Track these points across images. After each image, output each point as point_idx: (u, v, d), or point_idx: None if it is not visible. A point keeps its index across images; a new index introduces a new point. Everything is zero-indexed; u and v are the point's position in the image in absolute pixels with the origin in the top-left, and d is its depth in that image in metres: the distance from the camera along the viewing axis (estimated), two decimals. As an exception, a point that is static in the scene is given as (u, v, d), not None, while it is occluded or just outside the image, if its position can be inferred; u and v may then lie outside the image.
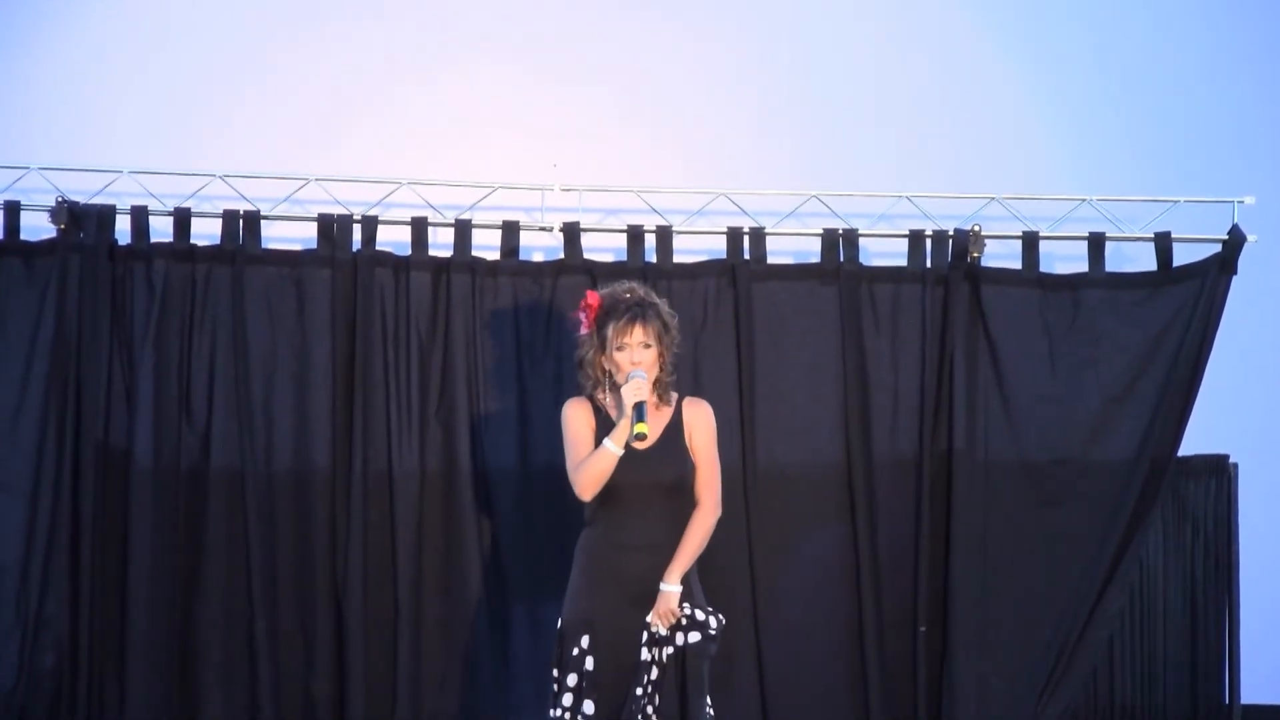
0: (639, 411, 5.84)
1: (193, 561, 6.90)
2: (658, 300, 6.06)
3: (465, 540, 6.95)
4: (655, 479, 5.95)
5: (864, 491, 7.07)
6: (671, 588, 5.90)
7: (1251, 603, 7.21)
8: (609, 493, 5.98)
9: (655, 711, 5.96)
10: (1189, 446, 7.13)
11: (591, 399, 6.01)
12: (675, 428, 6.03)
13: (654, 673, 5.99)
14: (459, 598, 6.96)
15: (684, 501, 6.08)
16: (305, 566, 6.95)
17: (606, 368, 5.99)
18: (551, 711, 5.96)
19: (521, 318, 7.07)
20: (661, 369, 5.99)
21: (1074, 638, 7.04)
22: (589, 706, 5.89)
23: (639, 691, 5.95)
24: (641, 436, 5.82)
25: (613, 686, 5.90)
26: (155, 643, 6.84)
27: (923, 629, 7.12)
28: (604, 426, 5.95)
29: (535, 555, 6.98)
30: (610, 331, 5.94)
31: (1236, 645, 7.16)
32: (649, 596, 5.91)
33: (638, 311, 5.94)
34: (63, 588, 6.79)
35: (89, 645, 6.78)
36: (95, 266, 6.87)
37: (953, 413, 7.10)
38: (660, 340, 5.98)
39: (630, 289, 6.06)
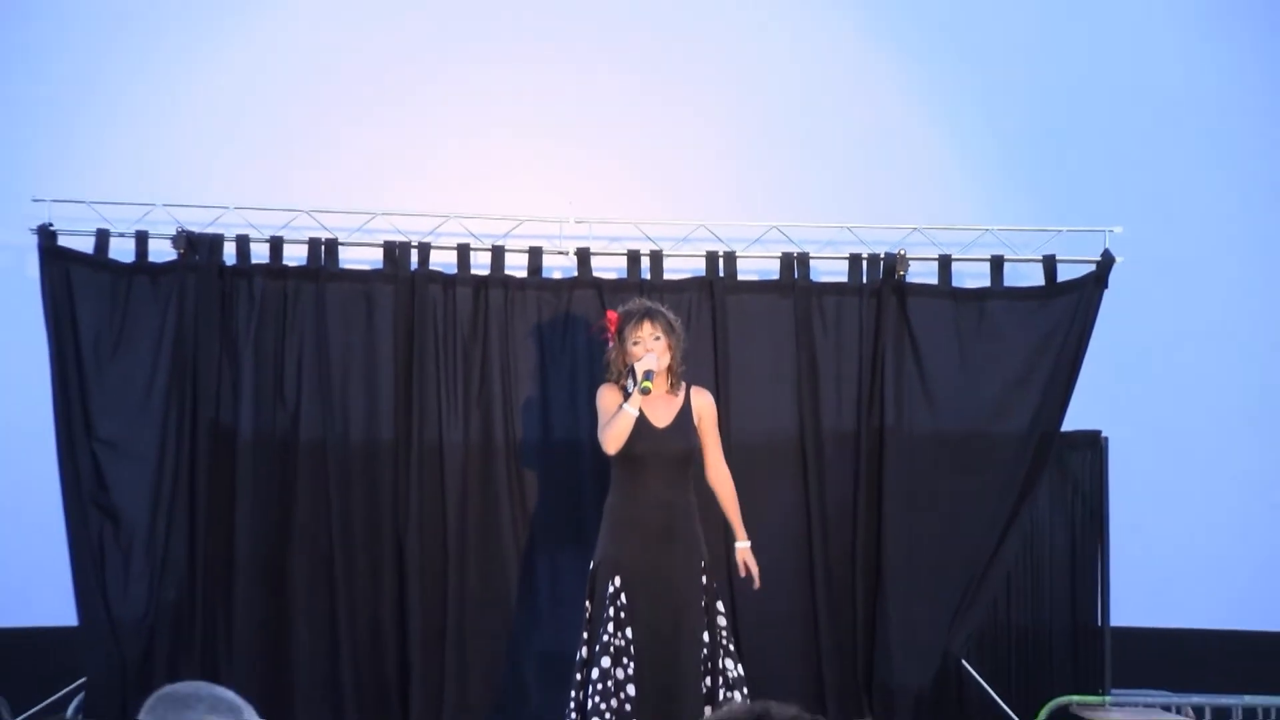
0: (648, 374, 6.33)
1: (285, 514, 7.25)
2: (663, 308, 6.62)
3: (500, 498, 7.32)
4: (670, 450, 6.46)
5: (814, 460, 7.42)
6: (743, 543, 6.60)
7: (1119, 547, 7.54)
8: (632, 462, 6.43)
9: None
10: (1070, 424, 7.50)
11: (618, 386, 6.56)
12: (685, 411, 6.55)
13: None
14: (495, 544, 7.30)
15: (689, 468, 6.54)
16: (374, 519, 7.27)
17: (627, 362, 6.50)
18: (584, 634, 6.39)
19: (544, 323, 7.41)
20: (673, 358, 6.49)
21: (979, 575, 7.38)
22: (629, 632, 6.35)
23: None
24: (646, 391, 6.32)
25: (648, 614, 6.35)
26: (255, 579, 7.19)
27: None
28: None
29: (556, 511, 7.37)
30: (627, 331, 6.48)
31: (1107, 580, 7.49)
32: (664, 540, 6.42)
33: (645, 311, 6.50)
34: (182, 536, 7.12)
35: (203, 581, 7.14)
36: (207, 283, 7.22)
37: (884, 397, 7.43)
38: (669, 334, 6.46)
39: (638, 300, 6.68)
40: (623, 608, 6.35)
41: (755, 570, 6.59)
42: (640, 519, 6.47)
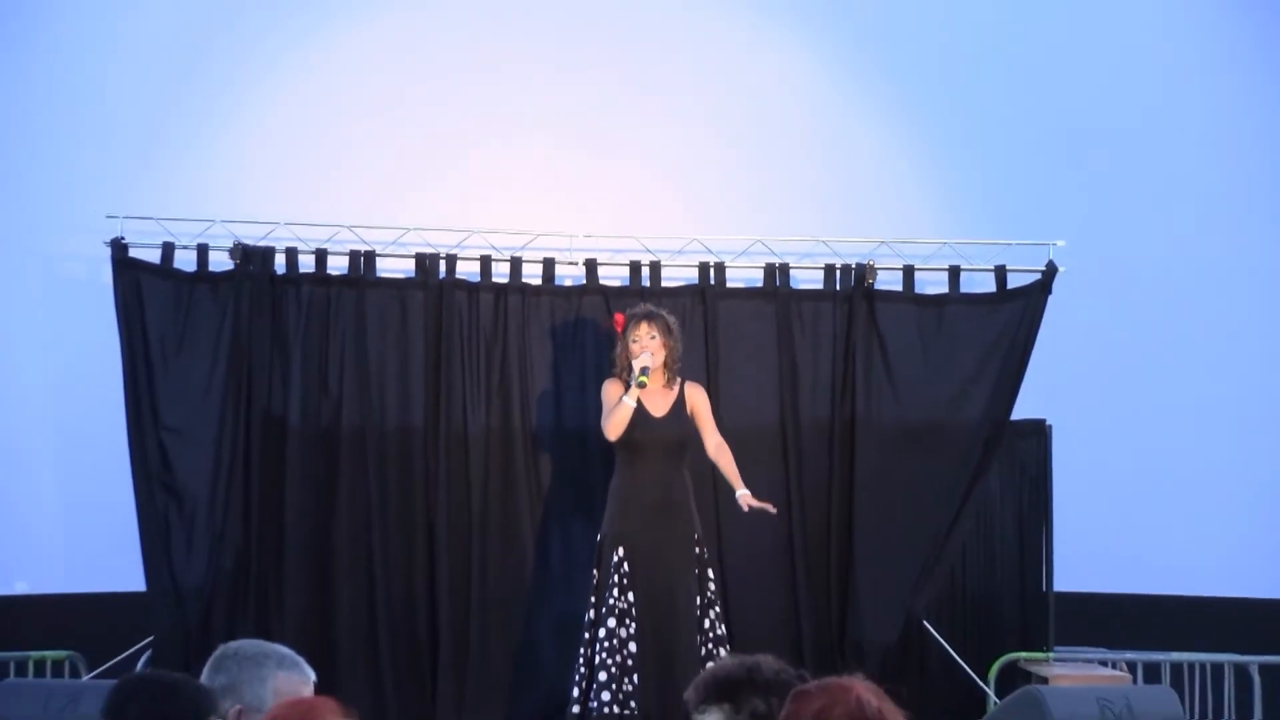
0: (643, 370, 6.61)
1: (329, 493, 7.50)
2: (663, 311, 6.95)
3: (518, 480, 7.59)
4: (666, 437, 6.79)
5: (794, 445, 7.69)
6: (743, 490, 6.71)
7: (1062, 521, 7.78)
8: (633, 447, 6.71)
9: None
10: (1018, 413, 7.79)
11: (620, 379, 6.89)
12: (680, 402, 6.87)
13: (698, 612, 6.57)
14: (514, 520, 7.58)
15: (684, 453, 6.81)
16: (407, 497, 7.52)
17: (629, 359, 6.81)
18: (592, 598, 6.67)
19: (556, 325, 7.70)
20: (670, 356, 6.82)
21: (938, 547, 7.66)
22: (631, 596, 6.66)
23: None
24: (642, 385, 6.61)
25: (647, 581, 6.64)
26: (302, 551, 7.45)
27: None
28: None
29: (567, 491, 7.64)
30: (629, 332, 6.81)
31: (1051, 551, 7.75)
32: (661, 515, 6.73)
33: (645, 314, 6.84)
34: (238, 513, 7.36)
35: (257, 553, 7.40)
36: (260, 290, 7.50)
37: (855, 391, 7.72)
38: (665, 334, 6.75)
39: (643, 305, 6.98)
40: (625, 575, 6.71)
41: (759, 502, 6.67)
42: (641, 497, 6.82)
